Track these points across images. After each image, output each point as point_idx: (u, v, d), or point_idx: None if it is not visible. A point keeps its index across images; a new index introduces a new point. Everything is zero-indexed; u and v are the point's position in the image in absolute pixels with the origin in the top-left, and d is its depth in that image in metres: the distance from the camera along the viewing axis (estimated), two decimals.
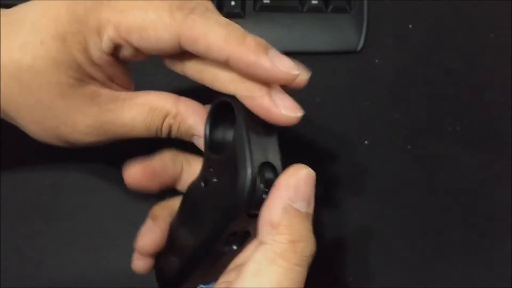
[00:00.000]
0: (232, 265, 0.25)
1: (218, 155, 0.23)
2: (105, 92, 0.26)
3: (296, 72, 0.22)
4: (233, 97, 0.23)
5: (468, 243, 0.41)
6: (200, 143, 0.27)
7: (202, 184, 0.24)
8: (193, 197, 0.25)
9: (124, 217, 0.39)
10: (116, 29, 0.23)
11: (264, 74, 0.22)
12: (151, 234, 0.27)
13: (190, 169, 0.28)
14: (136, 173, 0.26)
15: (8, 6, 0.27)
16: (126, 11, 0.23)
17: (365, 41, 0.46)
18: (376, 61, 0.49)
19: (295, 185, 0.21)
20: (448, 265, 0.40)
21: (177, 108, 0.27)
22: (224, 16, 0.24)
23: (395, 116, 0.46)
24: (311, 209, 0.22)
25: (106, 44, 0.24)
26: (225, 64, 0.22)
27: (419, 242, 0.41)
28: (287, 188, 0.21)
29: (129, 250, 0.29)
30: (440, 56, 0.49)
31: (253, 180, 0.20)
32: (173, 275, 0.25)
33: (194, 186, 0.25)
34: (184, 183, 0.28)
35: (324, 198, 0.40)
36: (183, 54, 0.25)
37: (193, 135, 0.28)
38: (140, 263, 0.28)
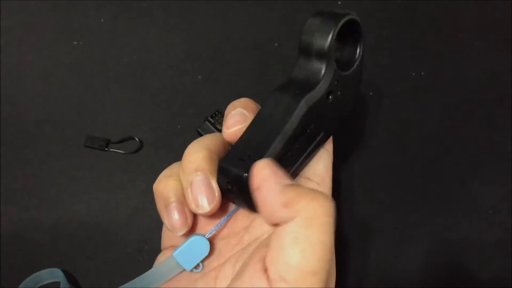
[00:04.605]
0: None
1: (346, 72, 0.26)
2: None
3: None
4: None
5: (431, 190, 0.40)
6: None
7: (326, 96, 0.25)
8: (314, 109, 0.25)
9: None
10: None
11: None
12: None
13: None
14: (207, 212, 0.24)
15: None
16: None
17: None
18: (339, 3, 0.46)
19: (270, 173, 0.22)
20: (410, 213, 0.39)
21: None
22: None
23: None
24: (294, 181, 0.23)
25: None
26: None
27: (379, 191, 0.39)
28: (268, 177, 0.22)
29: None
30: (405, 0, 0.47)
31: None
32: None
33: (315, 100, 0.25)
34: None
35: None
36: None
37: None
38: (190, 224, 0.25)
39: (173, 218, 0.24)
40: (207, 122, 0.40)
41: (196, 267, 0.25)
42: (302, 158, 0.26)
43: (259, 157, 0.23)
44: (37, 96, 0.42)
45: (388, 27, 0.46)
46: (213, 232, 0.25)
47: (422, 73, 0.44)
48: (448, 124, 0.42)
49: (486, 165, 0.41)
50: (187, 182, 0.24)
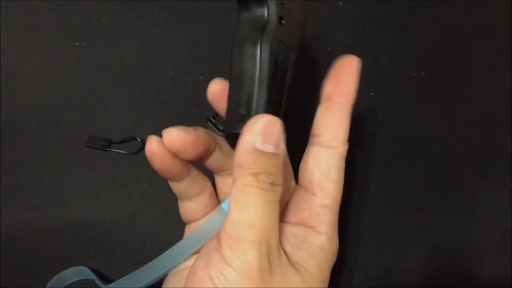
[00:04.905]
0: None
1: None
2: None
3: None
4: None
5: (432, 190, 0.40)
6: None
7: (280, 23, 0.26)
8: (275, 41, 0.26)
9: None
10: None
11: None
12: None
13: (222, 151, 0.30)
14: (174, 137, 0.27)
15: None
16: None
17: None
18: (340, 3, 0.46)
19: (259, 131, 0.24)
20: (411, 215, 0.39)
21: None
22: None
23: None
24: (280, 150, 0.25)
25: None
26: None
27: (380, 192, 0.40)
28: (251, 134, 0.24)
29: None
30: (406, 0, 0.47)
31: None
32: None
33: (272, 33, 0.26)
34: (213, 161, 0.30)
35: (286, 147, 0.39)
36: None
37: None
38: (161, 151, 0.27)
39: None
40: (208, 123, 0.40)
41: None
42: (286, 86, 0.27)
43: (251, 111, 0.25)
44: (38, 96, 0.42)
45: (389, 27, 0.46)
46: None
47: (423, 73, 0.44)
48: (449, 125, 0.42)
49: (486, 165, 0.41)
50: None
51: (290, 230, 0.27)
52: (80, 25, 0.45)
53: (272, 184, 0.24)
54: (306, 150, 0.29)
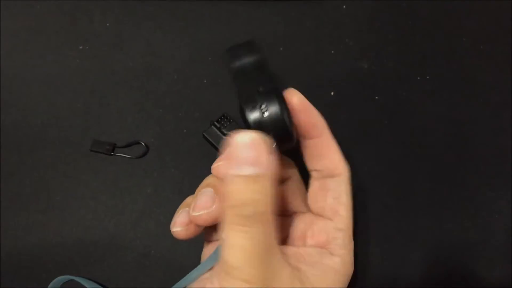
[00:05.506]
0: None
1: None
2: None
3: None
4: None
5: (438, 194, 0.40)
6: None
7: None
8: None
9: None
10: None
11: None
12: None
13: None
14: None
15: None
16: None
17: None
18: (344, 7, 0.46)
19: (231, 155, 0.22)
20: (416, 218, 0.39)
21: None
22: None
23: (363, 65, 0.44)
24: (261, 169, 0.22)
25: None
26: None
27: (385, 195, 0.40)
28: (223, 160, 0.24)
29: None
30: (409, 3, 0.47)
31: None
32: None
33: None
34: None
35: (290, 151, 0.38)
36: None
37: None
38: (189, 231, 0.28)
39: (176, 218, 0.28)
40: (213, 127, 0.40)
41: None
42: None
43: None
44: (42, 100, 0.42)
45: (393, 30, 0.46)
46: None
47: (427, 76, 0.44)
48: (453, 128, 0.42)
49: (491, 169, 0.41)
50: (196, 193, 0.27)
51: (307, 251, 0.27)
52: (84, 29, 0.45)
53: (254, 215, 0.21)
54: (311, 183, 0.30)
